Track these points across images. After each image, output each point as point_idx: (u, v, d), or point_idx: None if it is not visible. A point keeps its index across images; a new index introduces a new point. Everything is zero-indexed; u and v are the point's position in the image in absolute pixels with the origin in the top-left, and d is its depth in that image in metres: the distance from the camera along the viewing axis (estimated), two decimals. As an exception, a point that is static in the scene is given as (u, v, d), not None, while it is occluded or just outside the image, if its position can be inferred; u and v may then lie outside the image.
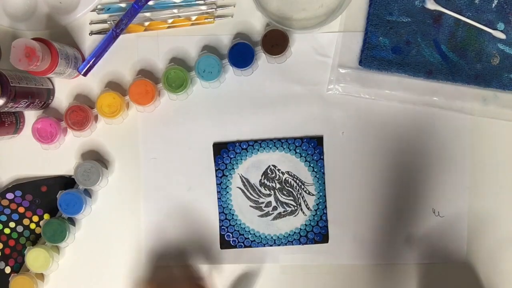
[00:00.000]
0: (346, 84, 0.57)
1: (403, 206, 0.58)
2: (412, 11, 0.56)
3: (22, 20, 0.58)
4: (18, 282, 0.55)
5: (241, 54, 0.55)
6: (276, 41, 0.54)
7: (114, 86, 0.58)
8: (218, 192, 0.58)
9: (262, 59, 0.57)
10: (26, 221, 0.58)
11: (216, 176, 0.58)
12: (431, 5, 0.55)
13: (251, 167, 0.58)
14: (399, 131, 0.58)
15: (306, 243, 0.58)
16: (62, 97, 0.59)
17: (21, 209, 0.58)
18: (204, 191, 0.58)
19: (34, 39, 0.49)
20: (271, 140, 0.58)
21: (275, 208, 0.58)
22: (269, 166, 0.58)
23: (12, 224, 0.58)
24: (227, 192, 0.58)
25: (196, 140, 0.58)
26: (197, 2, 0.57)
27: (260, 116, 0.58)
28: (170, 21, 0.57)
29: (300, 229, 0.58)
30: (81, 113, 0.56)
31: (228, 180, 0.58)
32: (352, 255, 0.58)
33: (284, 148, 0.58)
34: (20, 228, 0.58)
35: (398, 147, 0.58)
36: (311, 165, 0.58)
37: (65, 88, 0.59)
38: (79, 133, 0.56)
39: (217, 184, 0.58)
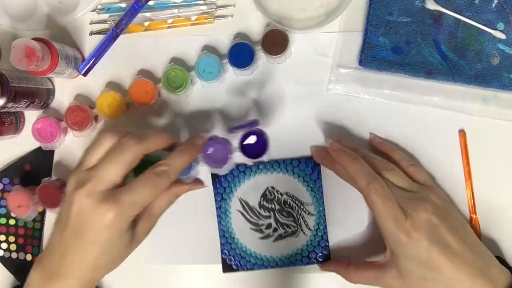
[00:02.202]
0: (346, 84, 0.57)
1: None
2: (412, 11, 0.56)
3: (22, 20, 0.58)
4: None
5: (241, 54, 0.54)
6: (276, 41, 0.54)
7: (114, 86, 0.58)
8: (218, 216, 0.58)
9: (262, 59, 0.57)
10: None
11: (215, 200, 0.58)
12: (431, 5, 0.55)
13: (249, 189, 0.58)
14: (399, 131, 0.58)
15: (308, 264, 0.58)
16: (62, 97, 0.59)
17: None
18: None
19: (34, 39, 0.49)
20: (268, 162, 0.58)
21: (275, 230, 0.58)
22: (268, 187, 0.58)
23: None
24: (227, 215, 0.58)
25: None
26: (197, 2, 0.57)
27: (261, 116, 0.58)
28: (170, 21, 0.57)
29: (302, 249, 0.58)
30: (81, 113, 0.56)
31: (227, 203, 0.58)
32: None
33: (281, 169, 0.57)
34: None
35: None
36: (310, 185, 0.57)
37: (65, 88, 0.59)
38: (79, 133, 0.56)
39: (216, 208, 0.58)
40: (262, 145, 0.50)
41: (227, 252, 0.58)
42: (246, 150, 0.50)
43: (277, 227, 0.58)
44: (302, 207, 0.58)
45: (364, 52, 0.56)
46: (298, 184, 0.58)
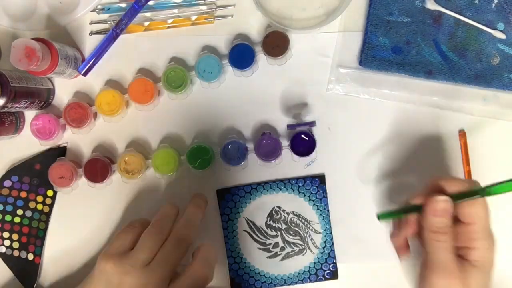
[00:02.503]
0: (346, 84, 0.57)
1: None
2: (412, 11, 0.56)
3: (22, 20, 0.58)
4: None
5: (241, 55, 0.54)
6: (277, 43, 0.54)
7: (113, 85, 0.58)
8: (225, 236, 0.58)
9: (262, 60, 0.57)
10: (32, 204, 0.58)
11: (222, 221, 0.58)
12: (431, 5, 0.55)
13: (255, 209, 0.58)
14: (399, 131, 0.58)
15: (316, 281, 0.58)
16: (62, 97, 0.59)
17: (23, 194, 0.58)
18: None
19: (34, 39, 0.49)
20: (273, 181, 0.58)
21: (282, 249, 0.58)
22: (274, 207, 0.58)
23: (19, 212, 0.58)
24: (234, 236, 0.58)
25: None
26: (197, 2, 0.57)
27: (260, 117, 0.58)
28: (170, 21, 0.57)
29: (309, 267, 0.58)
30: (80, 110, 0.56)
31: (234, 224, 0.58)
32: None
33: (287, 189, 0.58)
34: (28, 213, 0.58)
35: (398, 147, 0.58)
36: (316, 203, 0.58)
37: (65, 87, 0.59)
38: (77, 130, 0.56)
39: (223, 228, 0.58)
40: (310, 145, 0.54)
41: (235, 272, 0.58)
42: (295, 148, 0.55)
43: (284, 246, 0.58)
44: (309, 225, 0.58)
45: (364, 52, 0.56)
46: (304, 203, 0.58)
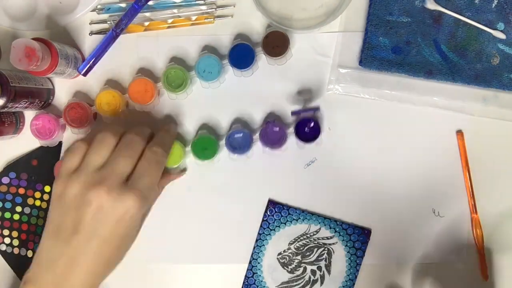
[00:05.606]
0: (346, 84, 0.57)
1: (402, 206, 0.58)
2: (412, 11, 0.56)
3: (22, 20, 0.58)
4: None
5: (241, 55, 0.54)
6: (277, 43, 0.54)
7: (114, 85, 0.58)
8: (256, 240, 0.58)
9: (262, 60, 0.57)
10: (30, 201, 0.59)
11: (261, 226, 0.58)
12: (431, 5, 0.55)
13: (292, 233, 0.58)
14: (399, 131, 0.58)
15: None
16: (62, 97, 0.59)
17: (21, 190, 0.58)
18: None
19: (34, 39, 0.49)
20: (319, 215, 0.57)
21: (304, 279, 0.58)
22: (311, 237, 0.58)
23: (18, 208, 0.59)
24: (261, 251, 0.58)
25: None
26: (197, 2, 0.57)
27: (260, 117, 0.58)
28: (170, 21, 0.57)
29: None
30: (80, 110, 0.55)
31: (266, 238, 0.58)
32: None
33: (330, 228, 0.57)
34: (27, 210, 0.59)
35: (398, 147, 0.58)
36: (350, 252, 0.57)
37: (65, 87, 0.59)
38: (77, 130, 0.56)
39: (259, 233, 0.58)
40: (315, 131, 0.54)
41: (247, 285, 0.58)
42: (300, 134, 0.54)
43: (308, 277, 0.58)
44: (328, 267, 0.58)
45: (364, 52, 0.56)
46: (341, 247, 0.58)
